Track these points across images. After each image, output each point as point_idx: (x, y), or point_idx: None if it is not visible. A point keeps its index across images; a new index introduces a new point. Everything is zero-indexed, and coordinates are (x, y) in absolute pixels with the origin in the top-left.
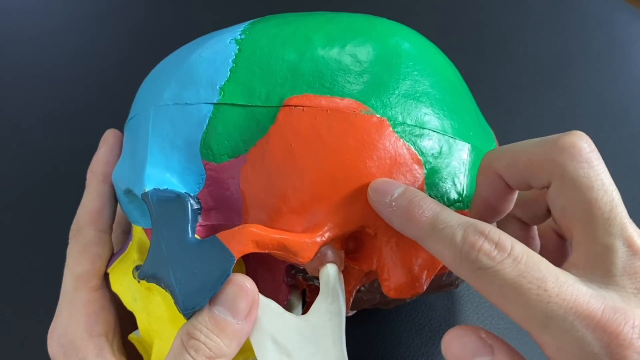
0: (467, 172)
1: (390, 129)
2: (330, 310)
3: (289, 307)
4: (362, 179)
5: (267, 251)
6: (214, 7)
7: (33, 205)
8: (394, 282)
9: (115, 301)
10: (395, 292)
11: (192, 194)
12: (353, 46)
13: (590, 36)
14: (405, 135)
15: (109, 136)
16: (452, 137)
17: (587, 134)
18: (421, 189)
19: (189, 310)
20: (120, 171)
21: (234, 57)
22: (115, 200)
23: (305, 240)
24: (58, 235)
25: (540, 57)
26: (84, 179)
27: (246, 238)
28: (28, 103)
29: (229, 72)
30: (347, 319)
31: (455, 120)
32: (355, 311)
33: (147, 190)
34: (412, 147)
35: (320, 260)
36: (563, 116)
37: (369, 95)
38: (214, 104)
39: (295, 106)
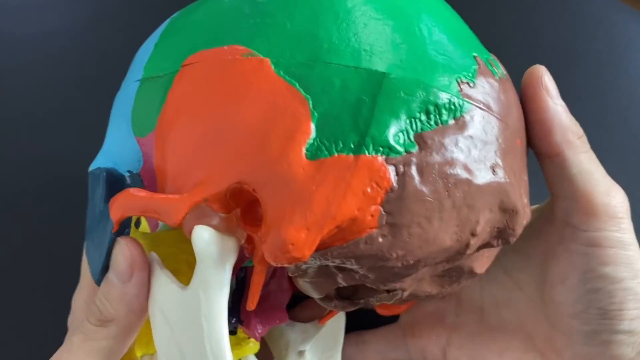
0: (375, 105)
1: (271, 68)
2: (201, 280)
3: None
4: (236, 127)
5: (139, 214)
6: None
7: (31, 205)
8: (267, 244)
9: None
10: (269, 255)
11: (134, 172)
12: None
13: (588, 37)
14: (289, 73)
15: None
16: (357, 67)
17: (586, 134)
18: (307, 132)
19: (97, 280)
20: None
21: (161, 32)
22: None
23: (172, 200)
24: (55, 236)
25: (538, 57)
26: (80, 179)
27: (120, 202)
28: (26, 101)
29: (153, 47)
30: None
31: (371, 48)
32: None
33: (89, 170)
34: (294, 86)
35: (192, 222)
36: None
37: (253, 37)
38: (139, 80)
39: (188, 65)
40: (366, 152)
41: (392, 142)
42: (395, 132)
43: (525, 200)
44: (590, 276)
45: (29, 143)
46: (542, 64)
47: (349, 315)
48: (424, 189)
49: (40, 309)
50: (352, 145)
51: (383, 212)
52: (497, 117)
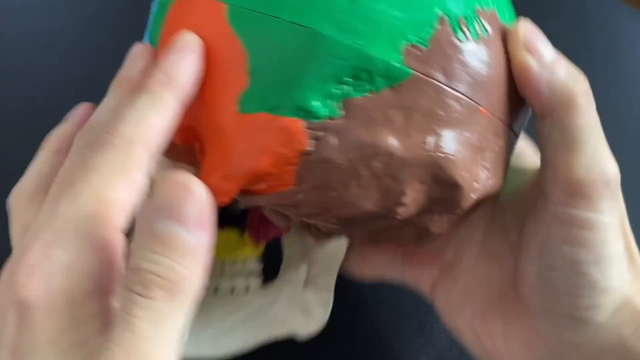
0: (304, 67)
1: (223, 16)
2: None
3: None
4: None
5: None
6: None
7: None
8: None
9: None
10: None
11: None
12: None
13: (588, 38)
14: (239, 23)
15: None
16: (298, 25)
17: None
18: (240, 85)
19: None
20: None
21: None
22: None
23: None
24: None
25: None
26: None
27: None
28: (25, 100)
29: None
30: (341, 323)
31: (315, 5)
32: None
33: None
34: (238, 37)
35: None
36: None
37: None
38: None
39: None
40: (287, 114)
41: (313, 106)
42: (318, 96)
43: (483, 173)
44: (549, 251)
45: (30, 141)
46: None
47: None
48: (339, 157)
49: None
50: (275, 106)
51: (299, 173)
52: (447, 86)
